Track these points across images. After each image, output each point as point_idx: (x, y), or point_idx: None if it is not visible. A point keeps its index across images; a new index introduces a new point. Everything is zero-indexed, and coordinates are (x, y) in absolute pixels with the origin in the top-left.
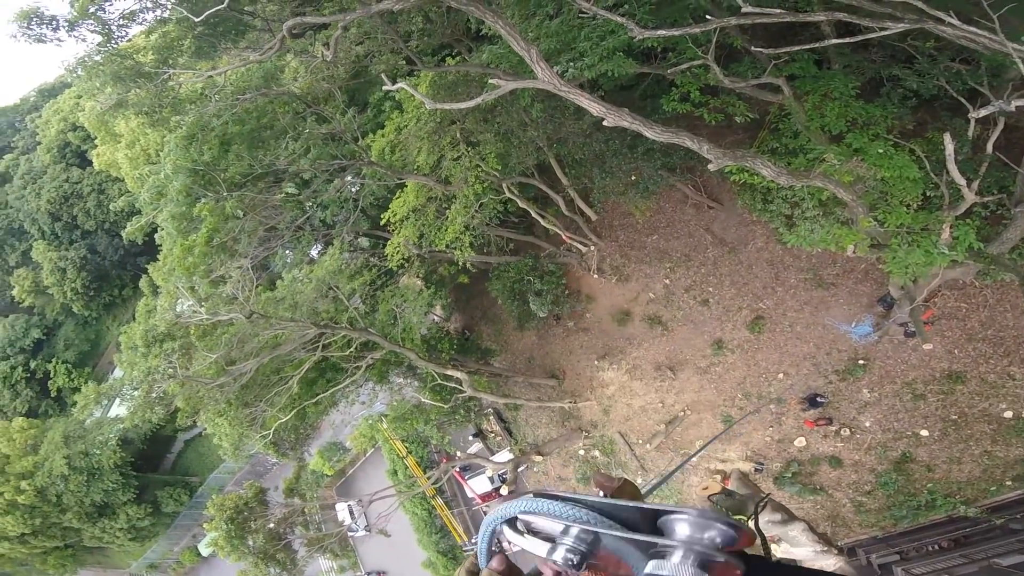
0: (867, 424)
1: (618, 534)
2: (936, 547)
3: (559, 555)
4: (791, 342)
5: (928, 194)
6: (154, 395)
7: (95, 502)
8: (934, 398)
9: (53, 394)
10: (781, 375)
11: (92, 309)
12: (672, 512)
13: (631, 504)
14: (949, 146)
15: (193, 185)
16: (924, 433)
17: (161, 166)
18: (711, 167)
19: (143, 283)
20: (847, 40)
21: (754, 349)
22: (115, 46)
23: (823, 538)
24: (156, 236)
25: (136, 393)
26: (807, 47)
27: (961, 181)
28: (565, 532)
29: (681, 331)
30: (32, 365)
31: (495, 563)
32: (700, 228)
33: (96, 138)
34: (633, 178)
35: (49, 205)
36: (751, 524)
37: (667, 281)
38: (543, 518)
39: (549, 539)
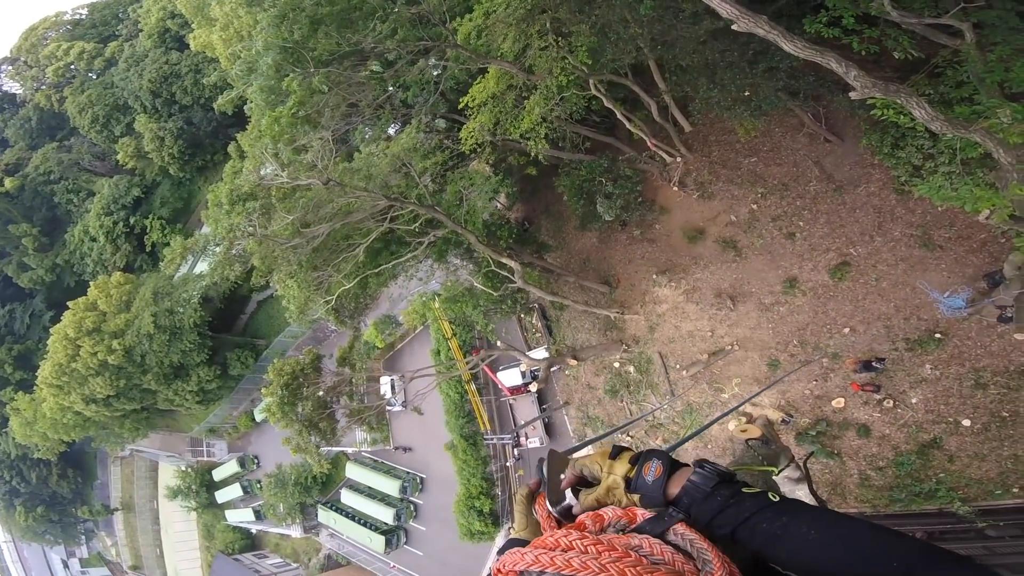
0: (913, 401)
1: None
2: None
3: None
4: (871, 297)
5: None
6: (234, 251)
7: (173, 363)
8: (996, 390)
9: (148, 249)
10: (847, 330)
11: (186, 171)
12: None
13: None
14: None
15: (282, 62)
16: (966, 423)
17: (252, 43)
18: (853, 95)
19: (231, 148)
20: None
21: (828, 296)
22: None
23: (821, 504)
24: (245, 108)
25: (218, 249)
26: None
27: None
28: None
29: (755, 261)
30: (131, 221)
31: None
32: (808, 160)
33: (193, 23)
34: (747, 94)
35: (150, 84)
36: (807, 488)
37: (754, 206)
38: None
39: None
